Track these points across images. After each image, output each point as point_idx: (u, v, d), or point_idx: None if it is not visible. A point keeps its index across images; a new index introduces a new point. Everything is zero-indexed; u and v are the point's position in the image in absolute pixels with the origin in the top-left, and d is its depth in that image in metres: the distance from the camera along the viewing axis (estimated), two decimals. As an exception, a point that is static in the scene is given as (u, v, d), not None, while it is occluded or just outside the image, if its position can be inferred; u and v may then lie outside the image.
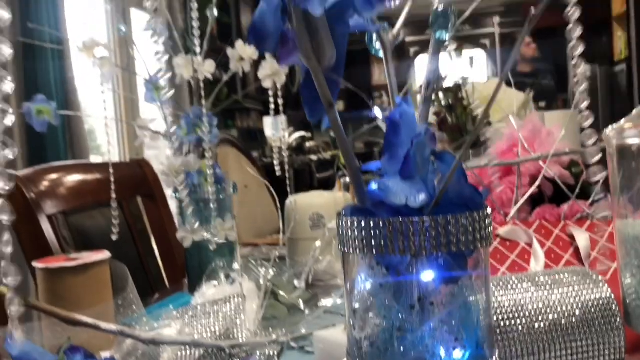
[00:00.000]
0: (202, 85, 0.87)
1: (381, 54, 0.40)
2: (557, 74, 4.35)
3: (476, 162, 0.85)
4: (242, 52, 0.99)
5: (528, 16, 0.31)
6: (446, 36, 0.36)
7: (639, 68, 3.53)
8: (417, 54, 5.82)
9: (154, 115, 0.98)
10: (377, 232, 0.33)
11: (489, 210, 0.34)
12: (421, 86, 0.38)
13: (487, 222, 0.34)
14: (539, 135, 0.92)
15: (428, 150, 0.36)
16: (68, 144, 2.33)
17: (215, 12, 0.95)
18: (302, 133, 4.63)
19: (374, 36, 0.39)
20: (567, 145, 0.98)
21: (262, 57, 0.99)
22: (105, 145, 1.02)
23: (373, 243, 0.33)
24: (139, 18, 3.21)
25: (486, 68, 4.66)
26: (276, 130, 2.37)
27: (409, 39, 5.53)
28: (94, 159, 2.83)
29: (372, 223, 0.33)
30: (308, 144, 4.74)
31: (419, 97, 0.40)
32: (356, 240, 0.34)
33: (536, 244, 0.66)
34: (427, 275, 0.35)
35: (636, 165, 0.51)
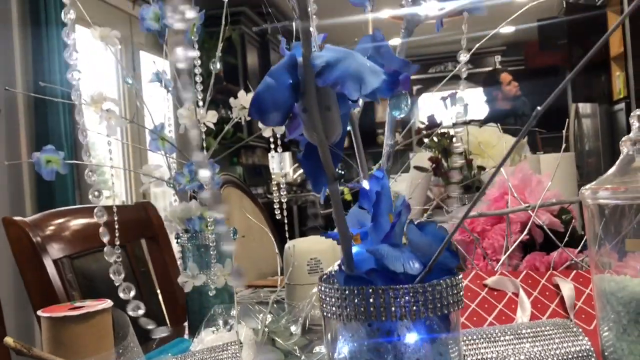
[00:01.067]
0: (204, 136, 0.91)
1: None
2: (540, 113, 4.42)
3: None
4: (244, 102, 1.04)
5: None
6: (400, 115, 0.39)
7: (637, 106, 3.58)
8: (419, 91, 5.93)
9: (160, 160, 1.02)
10: (379, 299, 0.35)
11: (460, 276, 0.37)
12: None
13: (459, 287, 0.37)
14: (529, 183, 0.95)
15: (404, 218, 0.39)
16: (75, 179, 2.39)
17: (219, 65, 0.99)
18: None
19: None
20: (559, 189, 1.01)
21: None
22: (113, 179, 1.05)
23: (371, 310, 0.35)
24: (147, 60, 3.30)
25: (485, 107, 4.73)
26: (278, 167, 2.40)
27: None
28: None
29: (370, 291, 0.35)
30: (312, 180, 4.77)
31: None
32: (349, 307, 0.35)
33: (523, 294, 0.69)
34: (410, 337, 0.37)
35: (611, 224, 0.53)
